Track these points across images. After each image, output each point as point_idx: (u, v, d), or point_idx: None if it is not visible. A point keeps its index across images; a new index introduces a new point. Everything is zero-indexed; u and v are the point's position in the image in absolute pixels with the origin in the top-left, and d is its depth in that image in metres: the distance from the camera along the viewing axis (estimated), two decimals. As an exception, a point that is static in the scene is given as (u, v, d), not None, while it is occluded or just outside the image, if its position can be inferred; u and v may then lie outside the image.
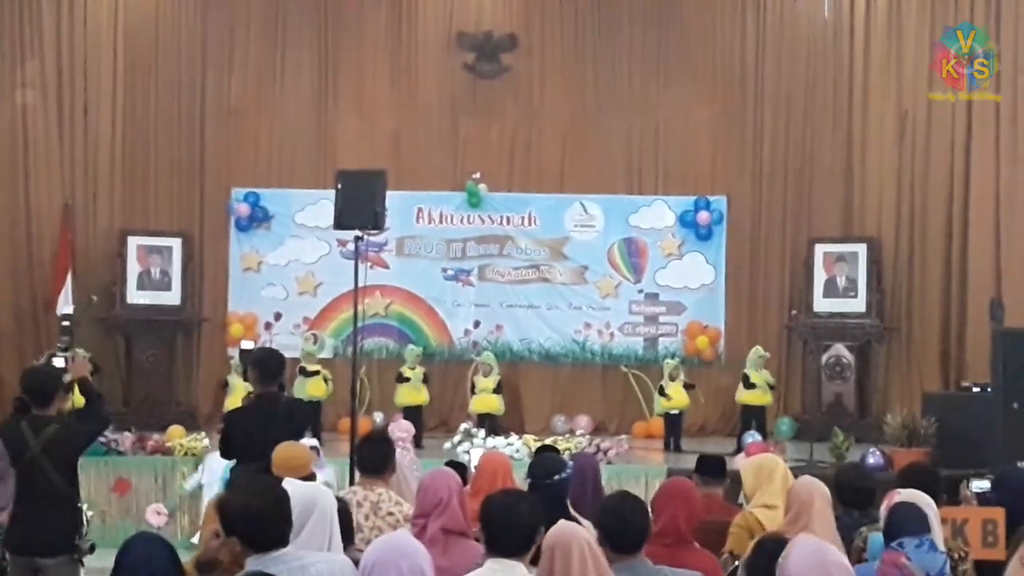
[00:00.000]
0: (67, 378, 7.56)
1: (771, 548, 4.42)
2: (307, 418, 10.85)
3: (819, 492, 6.04)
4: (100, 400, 7.61)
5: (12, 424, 7.15)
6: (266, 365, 7.92)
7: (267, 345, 16.09)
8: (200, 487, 12.86)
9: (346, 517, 5.26)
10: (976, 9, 16.95)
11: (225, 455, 8.00)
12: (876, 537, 5.63)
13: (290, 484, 5.01)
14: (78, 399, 8.06)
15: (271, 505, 4.35)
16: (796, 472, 6.84)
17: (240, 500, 4.38)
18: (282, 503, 4.40)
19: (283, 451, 6.13)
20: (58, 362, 7.41)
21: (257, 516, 4.29)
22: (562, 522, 4.54)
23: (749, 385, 16.04)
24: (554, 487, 6.03)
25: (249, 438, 6.77)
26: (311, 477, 6.01)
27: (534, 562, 4.48)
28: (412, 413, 16.10)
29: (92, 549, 7.13)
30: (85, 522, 7.20)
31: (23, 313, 17.46)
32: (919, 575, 4.59)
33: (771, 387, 16.25)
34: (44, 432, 6.91)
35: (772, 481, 6.55)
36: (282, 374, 8.25)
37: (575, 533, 4.55)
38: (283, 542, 4.32)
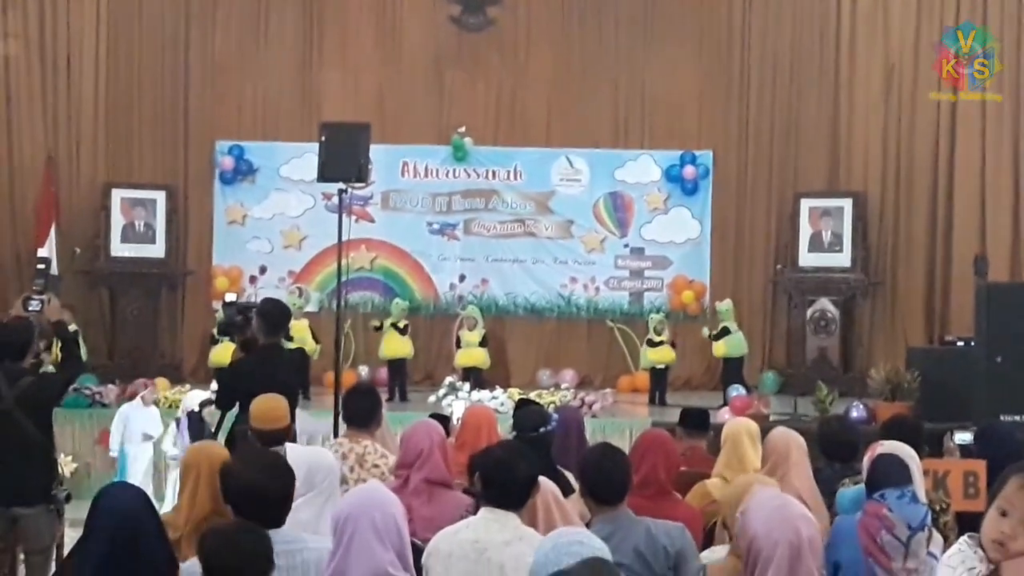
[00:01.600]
0: (39, 318, 7.50)
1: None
2: (308, 370, 10.78)
3: (795, 443, 6.07)
4: (75, 344, 7.62)
5: None
6: (272, 316, 7.95)
7: (253, 298, 16.06)
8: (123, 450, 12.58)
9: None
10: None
11: (224, 405, 7.97)
12: (844, 493, 5.66)
13: (295, 449, 5.02)
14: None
15: (278, 485, 4.30)
16: (779, 426, 6.86)
17: (247, 476, 4.30)
18: (288, 483, 4.35)
19: (261, 403, 6.12)
20: (34, 304, 7.35)
21: (262, 494, 4.23)
22: None
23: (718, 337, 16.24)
24: (538, 440, 6.05)
25: (256, 388, 6.74)
26: (288, 429, 6.02)
27: None
28: (397, 366, 16.15)
29: (68, 499, 7.15)
30: (60, 472, 7.19)
31: (6, 267, 17.36)
32: (901, 526, 4.60)
33: (715, 337, 16.25)
34: (18, 384, 6.91)
35: (725, 450, 6.53)
36: (287, 325, 8.30)
37: (540, 487, 4.59)
38: (279, 522, 4.28)
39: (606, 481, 4.75)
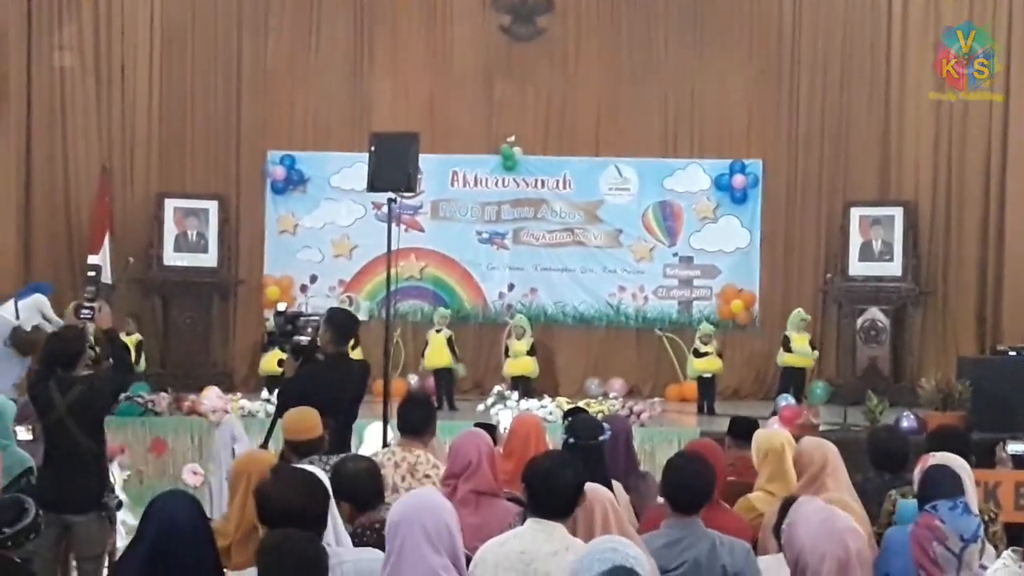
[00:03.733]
0: (92, 329, 7.57)
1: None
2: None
3: (830, 452, 6.02)
4: (126, 352, 7.68)
5: (40, 384, 7.20)
6: (342, 325, 8.01)
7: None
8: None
9: (376, 478, 5.28)
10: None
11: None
12: (905, 503, 5.62)
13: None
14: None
15: (318, 504, 4.32)
16: (829, 436, 6.82)
17: (287, 497, 4.28)
18: (326, 501, 4.37)
19: (293, 415, 6.16)
20: (85, 312, 7.43)
21: (301, 514, 4.21)
22: (587, 485, 4.57)
23: (789, 348, 16.00)
24: (595, 448, 6.03)
25: (323, 396, 6.77)
26: (321, 439, 6.06)
27: None
28: (442, 374, 16.21)
29: (120, 506, 7.23)
30: (112, 480, 7.26)
31: (62, 276, 17.53)
32: (953, 538, 4.58)
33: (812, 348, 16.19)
34: (70, 393, 7.00)
35: (767, 463, 6.43)
36: (354, 334, 8.41)
37: (596, 495, 4.59)
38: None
39: (686, 490, 4.82)
